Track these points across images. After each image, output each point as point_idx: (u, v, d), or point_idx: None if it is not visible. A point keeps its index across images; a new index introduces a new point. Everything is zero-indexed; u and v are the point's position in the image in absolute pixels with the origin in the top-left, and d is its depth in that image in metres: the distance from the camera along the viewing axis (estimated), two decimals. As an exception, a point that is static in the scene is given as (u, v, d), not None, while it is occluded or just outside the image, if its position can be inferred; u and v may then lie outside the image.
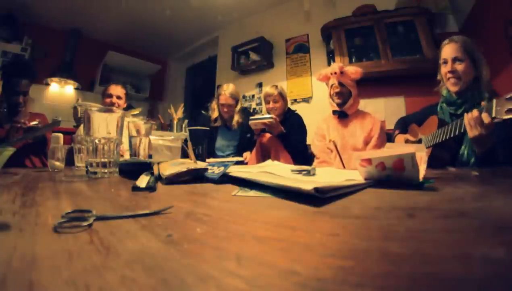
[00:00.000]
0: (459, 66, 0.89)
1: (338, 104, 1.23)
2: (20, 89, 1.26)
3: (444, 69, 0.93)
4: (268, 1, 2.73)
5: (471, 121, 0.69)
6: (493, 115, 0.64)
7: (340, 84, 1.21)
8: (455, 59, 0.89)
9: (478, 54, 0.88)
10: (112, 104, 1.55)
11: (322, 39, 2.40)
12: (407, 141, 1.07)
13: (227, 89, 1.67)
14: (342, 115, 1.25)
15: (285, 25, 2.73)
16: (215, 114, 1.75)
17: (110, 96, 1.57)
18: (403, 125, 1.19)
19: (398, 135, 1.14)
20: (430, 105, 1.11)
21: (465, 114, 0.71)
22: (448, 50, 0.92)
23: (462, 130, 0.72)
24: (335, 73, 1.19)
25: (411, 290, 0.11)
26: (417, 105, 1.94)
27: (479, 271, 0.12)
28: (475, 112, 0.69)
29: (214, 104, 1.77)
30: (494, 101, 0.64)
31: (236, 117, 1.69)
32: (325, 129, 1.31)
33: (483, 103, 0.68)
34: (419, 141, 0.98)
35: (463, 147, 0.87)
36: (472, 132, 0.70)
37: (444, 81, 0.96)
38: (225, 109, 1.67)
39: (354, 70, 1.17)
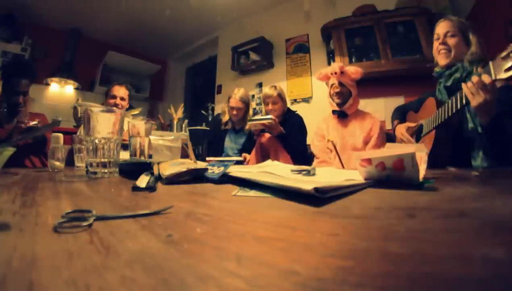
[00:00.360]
0: (451, 40, 0.89)
1: (338, 104, 1.24)
2: (20, 89, 1.26)
3: (436, 44, 0.93)
4: (268, 1, 2.73)
5: (472, 89, 0.66)
6: (494, 77, 0.62)
7: (340, 84, 1.21)
8: (447, 33, 0.90)
9: (473, 34, 0.87)
10: (116, 105, 1.54)
11: (322, 39, 2.40)
12: (408, 128, 1.04)
13: (237, 93, 1.67)
14: (341, 115, 1.25)
15: (285, 25, 2.73)
16: (226, 117, 1.75)
17: (114, 97, 1.56)
18: (401, 114, 1.19)
19: (398, 126, 1.12)
20: (426, 91, 1.10)
21: (463, 84, 0.68)
22: (441, 26, 0.93)
23: (464, 102, 0.69)
24: (335, 73, 1.19)
25: (411, 290, 0.11)
26: (417, 105, 1.95)
27: (479, 271, 0.12)
28: (474, 78, 0.65)
29: (224, 108, 1.77)
30: (491, 63, 0.62)
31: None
32: (324, 129, 1.31)
33: (480, 69, 0.66)
34: (420, 126, 0.96)
35: (469, 123, 0.84)
36: (475, 100, 0.66)
37: (436, 57, 0.95)
38: (234, 113, 1.68)
39: (354, 70, 1.17)
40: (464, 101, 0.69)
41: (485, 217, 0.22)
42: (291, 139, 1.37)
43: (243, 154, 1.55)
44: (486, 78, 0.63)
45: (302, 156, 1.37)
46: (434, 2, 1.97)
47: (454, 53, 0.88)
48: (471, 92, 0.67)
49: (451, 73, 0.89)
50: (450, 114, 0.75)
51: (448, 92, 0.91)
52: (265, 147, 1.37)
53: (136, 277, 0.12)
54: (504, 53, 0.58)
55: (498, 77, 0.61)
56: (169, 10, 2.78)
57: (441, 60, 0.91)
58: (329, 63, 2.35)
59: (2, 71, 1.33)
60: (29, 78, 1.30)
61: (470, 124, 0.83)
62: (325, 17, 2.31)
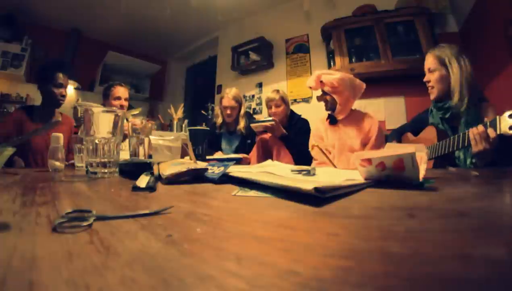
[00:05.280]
0: (431, 76, 0.96)
1: (329, 110, 1.25)
2: (63, 83, 1.33)
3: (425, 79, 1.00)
4: (268, 1, 2.73)
5: (476, 137, 0.71)
6: (498, 132, 0.68)
7: (324, 92, 1.22)
8: (429, 70, 0.97)
9: (455, 60, 0.90)
10: (122, 107, 1.53)
11: (322, 39, 2.40)
12: None
13: (229, 93, 1.66)
14: (332, 121, 1.26)
15: (285, 25, 2.73)
16: (219, 120, 1.73)
17: (119, 98, 1.54)
18: (398, 137, 1.23)
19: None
20: (420, 113, 1.15)
21: (470, 129, 0.74)
22: (425, 62, 1.00)
23: (466, 144, 0.74)
24: (310, 87, 1.23)
25: (411, 290, 0.11)
26: (417, 105, 1.95)
27: (479, 271, 0.12)
28: (480, 128, 0.71)
29: (217, 110, 1.75)
30: (498, 118, 0.68)
31: (242, 123, 1.68)
32: (322, 131, 1.31)
33: (486, 119, 0.72)
34: None
35: (458, 152, 0.90)
36: (476, 147, 0.72)
37: None
38: (228, 112, 1.66)
39: (331, 78, 1.17)
40: (466, 144, 0.75)
41: (485, 217, 0.22)
42: (293, 141, 1.37)
43: (243, 155, 1.55)
44: (491, 132, 0.69)
45: (305, 156, 1.37)
46: (434, 2, 1.97)
47: (437, 87, 0.95)
48: (475, 139, 0.72)
49: (448, 108, 0.93)
50: (451, 150, 0.80)
51: (446, 122, 0.97)
52: (267, 145, 1.37)
53: (136, 277, 0.12)
54: (511, 112, 0.65)
55: (502, 132, 0.67)
56: (169, 10, 2.78)
57: (430, 95, 0.99)
58: (329, 63, 2.35)
59: (43, 67, 1.37)
60: (67, 74, 1.36)
61: (463, 158, 0.90)
62: (325, 17, 2.31)
